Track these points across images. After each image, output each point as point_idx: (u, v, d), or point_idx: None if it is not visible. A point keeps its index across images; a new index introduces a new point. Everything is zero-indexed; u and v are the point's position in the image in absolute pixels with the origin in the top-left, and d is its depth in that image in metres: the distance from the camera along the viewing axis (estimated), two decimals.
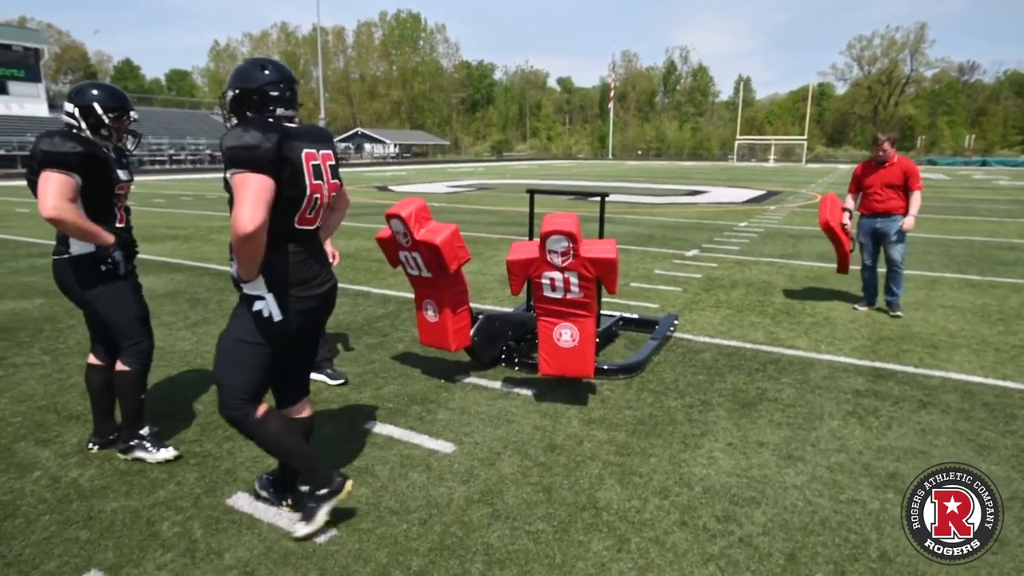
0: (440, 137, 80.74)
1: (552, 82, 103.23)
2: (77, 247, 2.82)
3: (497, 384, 4.03)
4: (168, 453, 3.00)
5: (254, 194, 2.10)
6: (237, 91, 2.30)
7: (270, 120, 2.27)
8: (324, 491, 2.45)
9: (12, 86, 39.62)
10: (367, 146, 63.72)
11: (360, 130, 67.17)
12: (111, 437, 3.14)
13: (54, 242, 2.89)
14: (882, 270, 5.87)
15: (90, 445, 3.11)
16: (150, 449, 2.98)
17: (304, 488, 2.49)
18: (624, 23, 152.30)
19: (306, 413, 2.63)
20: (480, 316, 4.20)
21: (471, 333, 4.03)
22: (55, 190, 2.60)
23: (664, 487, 2.83)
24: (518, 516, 2.60)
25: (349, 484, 2.50)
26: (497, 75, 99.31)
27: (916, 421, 3.53)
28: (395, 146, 65.83)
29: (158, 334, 3.71)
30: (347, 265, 8.03)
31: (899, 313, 5.66)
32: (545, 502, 2.70)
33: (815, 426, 3.45)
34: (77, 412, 3.48)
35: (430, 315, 3.95)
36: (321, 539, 2.44)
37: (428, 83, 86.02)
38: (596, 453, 3.13)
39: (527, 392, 3.90)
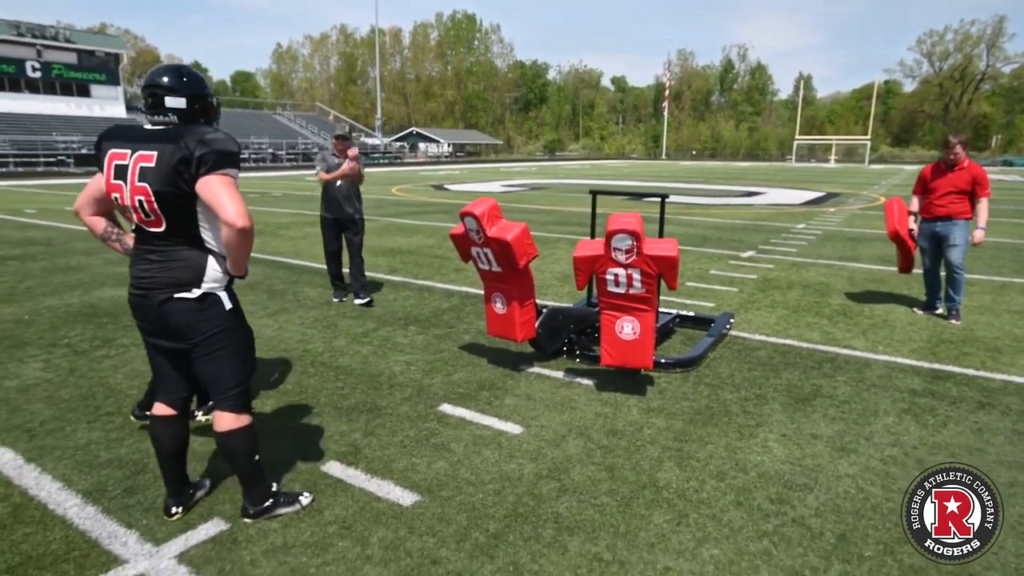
0: (493, 136, 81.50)
1: (606, 81, 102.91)
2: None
3: (560, 374, 4.27)
4: (306, 499, 2.72)
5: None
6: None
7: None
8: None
9: (94, 89, 42.36)
10: (421, 145, 64.96)
11: (415, 129, 68.57)
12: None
13: None
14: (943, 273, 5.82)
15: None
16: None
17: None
18: (680, 21, 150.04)
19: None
20: (544, 310, 4.44)
21: (536, 325, 4.28)
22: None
23: (720, 471, 3.01)
24: (584, 491, 2.83)
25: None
26: (551, 74, 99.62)
27: (973, 421, 3.59)
28: (449, 145, 66.87)
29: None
30: (410, 261, 8.42)
31: (956, 321, 5.52)
32: (608, 479, 2.93)
33: (869, 422, 3.56)
34: None
35: (498, 307, 4.22)
36: (407, 503, 2.73)
37: (482, 83, 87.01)
38: (655, 438, 3.34)
39: (588, 382, 4.12)
